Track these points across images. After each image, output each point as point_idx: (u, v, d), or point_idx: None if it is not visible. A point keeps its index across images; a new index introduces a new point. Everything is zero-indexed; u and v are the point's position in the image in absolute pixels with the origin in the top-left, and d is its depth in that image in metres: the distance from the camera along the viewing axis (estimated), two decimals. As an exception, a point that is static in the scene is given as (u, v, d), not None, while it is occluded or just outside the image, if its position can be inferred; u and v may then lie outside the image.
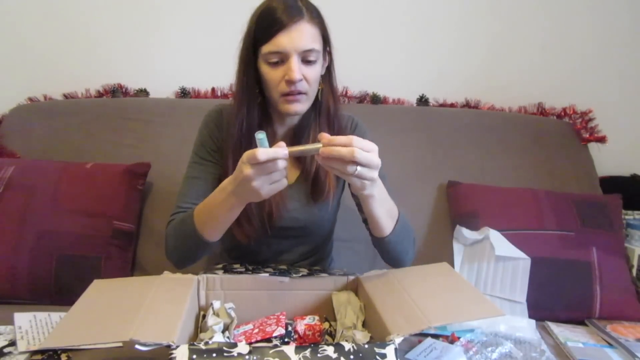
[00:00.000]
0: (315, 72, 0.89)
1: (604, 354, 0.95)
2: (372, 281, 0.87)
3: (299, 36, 0.84)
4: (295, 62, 0.85)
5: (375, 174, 0.74)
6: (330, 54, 0.95)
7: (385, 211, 0.86)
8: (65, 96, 1.59)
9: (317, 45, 0.88)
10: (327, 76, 0.97)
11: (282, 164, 0.72)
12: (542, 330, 1.04)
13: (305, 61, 0.87)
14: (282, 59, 0.86)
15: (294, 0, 0.86)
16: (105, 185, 1.27)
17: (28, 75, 1.61)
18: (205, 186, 0.96)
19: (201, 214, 0.86)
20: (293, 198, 0.99)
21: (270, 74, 0.87)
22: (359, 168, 0.71)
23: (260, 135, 0.71)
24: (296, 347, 0.63)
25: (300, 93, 0.88)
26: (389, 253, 0.94)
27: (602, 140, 1.53)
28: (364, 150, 0.71)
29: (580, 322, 1.12)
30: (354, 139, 0.71)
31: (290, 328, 0.82)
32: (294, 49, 0.84)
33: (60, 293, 1.15)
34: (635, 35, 1.59)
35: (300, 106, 0.90)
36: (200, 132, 1.01)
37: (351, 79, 1.52)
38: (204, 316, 0.82)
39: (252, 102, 0.93)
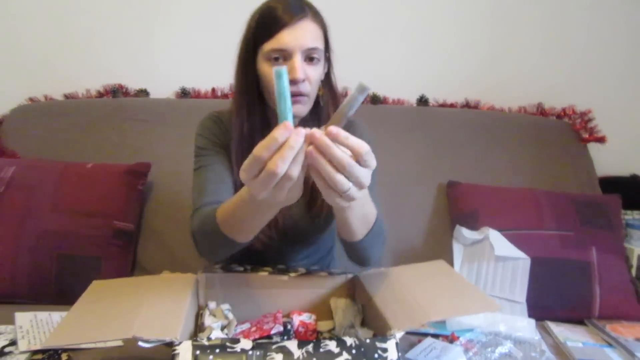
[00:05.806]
0: (317, 72, 0.86)
1: (603, 354, 0.95)
2: (371, 279, 0.87)
3: (303, 34, 0.82)
4: (298, 60, 0.81)
5: (359, 194, 0.58)
6: (329, 59, 0.93)
7: (359, 218, 0.74)
8: (65, 96, 1.59)
9: (320, 44, 0.85)
10: (327, 82, 0.94)
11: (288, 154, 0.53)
12: (541, 330, 1.04)
13: (309, 59, 0.84)
14: (284, 56, 0.82)
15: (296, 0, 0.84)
16: (105, 185, 1.27)
17: (28, 75, 1.61)
18: (223, 172, 0.90)
19: (227, 222, 0.75)
20: (293, 206, 0.97)
21: (271, 72, 0.83)
22: (352, 187, 0.56)
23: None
24: (299, 342, 0.63)
25: (301, 95, 0.85)
26: (352, 253, 0.86)
27: (601, 140, 1.53)
28: (366, 165, 0.56)
29: (579, 322, 1.12)
30: (367, 150, 0.55)
31: (289, 326, 0.82)
32: (298, 46, 0.81)
33: (60, 293, 1.15)
34: (634, 35, 1.59)
35: (301, 108, 0.87)
36: (202, 131, 0.97)
37: (351, 79, 1.52)
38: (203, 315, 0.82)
39: (252, 104, 0.90)
